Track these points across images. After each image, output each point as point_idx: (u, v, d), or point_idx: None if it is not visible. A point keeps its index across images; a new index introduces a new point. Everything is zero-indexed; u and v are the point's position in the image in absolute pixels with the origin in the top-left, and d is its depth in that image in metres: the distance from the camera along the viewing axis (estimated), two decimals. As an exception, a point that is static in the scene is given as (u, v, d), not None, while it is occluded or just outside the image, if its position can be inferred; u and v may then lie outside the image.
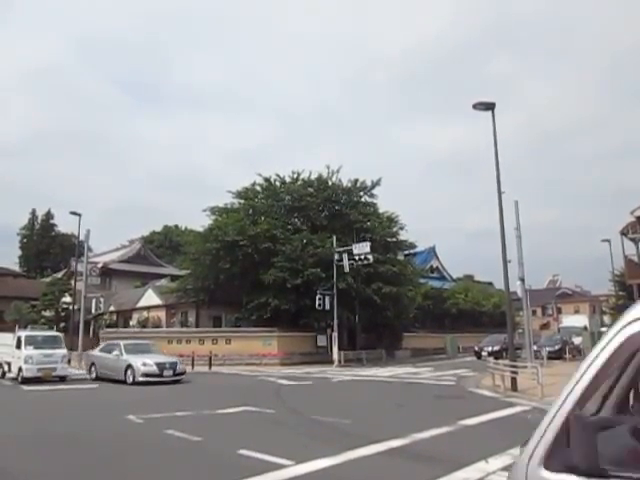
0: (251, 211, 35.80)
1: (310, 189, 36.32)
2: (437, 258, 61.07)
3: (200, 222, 38.82)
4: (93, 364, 22.20)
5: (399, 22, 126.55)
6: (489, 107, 17.22)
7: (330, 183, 36.67)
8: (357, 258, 30.94)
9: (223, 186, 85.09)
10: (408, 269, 38.37)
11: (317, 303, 30.16)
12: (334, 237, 32.35)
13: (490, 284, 61.53)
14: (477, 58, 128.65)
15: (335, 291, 30.69)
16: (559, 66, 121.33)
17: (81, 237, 33.71)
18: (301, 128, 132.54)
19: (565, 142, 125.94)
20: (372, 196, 37.47)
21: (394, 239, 37.38)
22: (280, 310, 31.11)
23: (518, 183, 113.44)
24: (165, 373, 19.81)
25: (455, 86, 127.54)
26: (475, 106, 17.17)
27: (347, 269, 30.82)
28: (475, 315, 50.87)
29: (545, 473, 1.84)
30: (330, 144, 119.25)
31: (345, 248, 31.15)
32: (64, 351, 21.27)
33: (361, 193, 37.32)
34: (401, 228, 37.64)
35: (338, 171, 36.77)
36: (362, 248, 30.75)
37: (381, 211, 37.72)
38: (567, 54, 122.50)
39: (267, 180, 36.93)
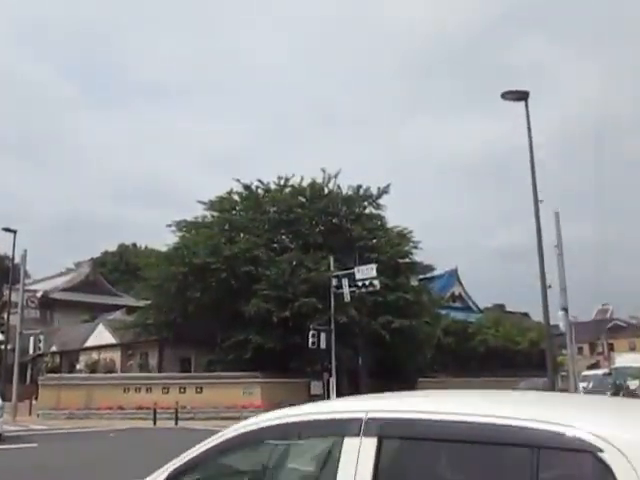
0: (227, 226, 35.87)
1: (301, 198, 36.47)
2: (460, 283, 61.09)
3: (163, 240, 38.79)
4: None
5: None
6: (522, 97, 17.33)
7: (326, 191, 36.82)
8: (360, 284, 30.81)
9: (193, 195, 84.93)
10: (424, 297, 38.34)
11: (310, 341, 29.98)
12: (331, 258, 32.34)
13: (526, 315, 61.52)
14: (505, 41, 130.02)
15: (333, 326, 30.56)
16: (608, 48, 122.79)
17: (16, 259, 33.61)
18: (292, 126, 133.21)
19: (616, 141, 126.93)
20: (379, 207, 37.72)
21: (406, 260, 37.45)
22: (264, 350, 30.92)
23: (556, 190, 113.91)
24: None
25: (480, 74, 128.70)
26: (504, 95, 17.25)
27: (348, 298, 30.70)
28: (508, 354, 50.71)
29: None
30: (327, 145, 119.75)
31: (345, 272, 31.10)
32: (0, 402, 20.67)
33: (365, 203, 37.49)
34: (415, 247, 37.77)
35: (336, 176, 36.88)
36: (367, 272, 30.64)
37: (390, 225, 37.95)
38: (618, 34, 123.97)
39: (247, 188, 37.04)
